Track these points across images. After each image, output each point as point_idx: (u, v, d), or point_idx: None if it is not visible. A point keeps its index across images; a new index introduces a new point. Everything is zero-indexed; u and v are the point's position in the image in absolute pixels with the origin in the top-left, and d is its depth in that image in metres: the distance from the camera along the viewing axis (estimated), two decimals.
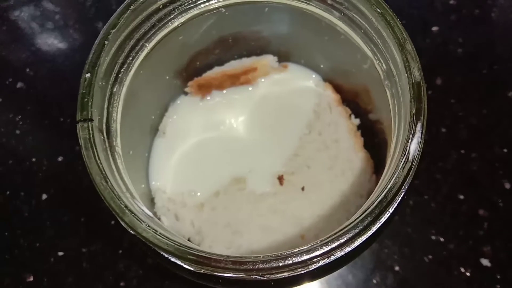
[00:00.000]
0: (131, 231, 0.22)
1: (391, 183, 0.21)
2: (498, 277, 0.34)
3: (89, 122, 0.23)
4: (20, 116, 0.42)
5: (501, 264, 0.35)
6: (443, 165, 0.38)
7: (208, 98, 0.36)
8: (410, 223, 0.36)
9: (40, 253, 0.37)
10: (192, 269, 0.22)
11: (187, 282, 0.35)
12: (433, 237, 0.36)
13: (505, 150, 0.38)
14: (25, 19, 0.47)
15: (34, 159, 0.40)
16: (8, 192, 0.39)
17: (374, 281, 0.35)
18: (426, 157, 0.38)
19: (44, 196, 0.39)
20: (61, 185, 0.40)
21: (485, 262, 0.35)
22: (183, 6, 0.28)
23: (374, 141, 0.34)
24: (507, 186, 0.37)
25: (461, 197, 0.37)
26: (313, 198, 0.33)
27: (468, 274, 0.35)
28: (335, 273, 0.35)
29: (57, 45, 0.45)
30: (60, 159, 0.40)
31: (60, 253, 0.37)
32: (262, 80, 0.36)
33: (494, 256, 0.35)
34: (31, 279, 0.37)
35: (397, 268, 0.35)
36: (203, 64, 0.35)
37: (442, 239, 0.36)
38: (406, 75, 0.23)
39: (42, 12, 0.47)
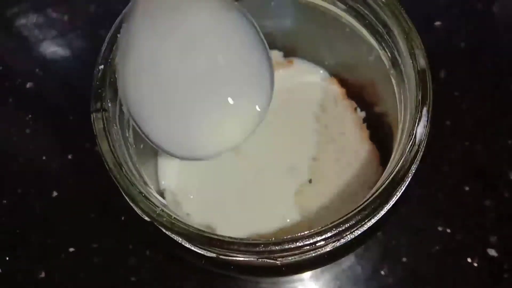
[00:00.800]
0: (146, 217, 0.22)
1: (399, 166, 0.22)
2: (505, 267, 0.35)
3: (103, 113, 0.24)
4: (30, 116, 0.43)
5: (508, 254, 0.35)
6: (448, 157, 0.38)
7: None
8: (417, 215, 0.37)
9: (51, 249, 0.38)
10: (205, 253, 0.22)
11: (198, 276, 0.36)
12: (440, 228, 0.36)
13: (509, 142, 0.38)
14: (32, 24, 0.48)
15: (44, 157, 0.41)
16: (19, 190, 0.40)
17: (382, 273, 0.35)
18: (431, 150, 0.38)
19: (55, 194, 0.40)
20: (71, 182, 0.40)
21: (492, 252, 0.35)
22: None
23: (379, 133, 0.35)
24: None
25: (467, 188, 0.37)
26: (320, 190, 0.34)
27: (475, 264, 0.35)
28: (343, 265, 0.35)
29: (65, 47, 0.46)
30: (70, 156, 0.41)
31: (71, 249, 0.38)
32: None
33: (501, 246, 0.35)
34: (43, 275, 0.37)
35: (404, 259, 0.35)
36: None
37: (449, 230, 0.36)
38: (411, 62, 0.24)
39: (47, 17, 0.48)
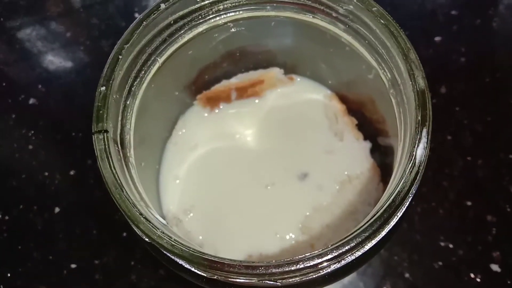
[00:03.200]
0: (146, 239, 0.22)
1: (399, 187, 0.22)
2: (508, 282, 0.35)
3: (105, 134, 0.24)
4: (32, 132, 0.43)
5: (511, 269, 0.35)
6: (449, 172, 0.38)
7: (217, 111, 0.37)
8: (419, 230, 0.37)
9: (53, 265, 0.38)
10: (205, 275, 0.22)
11: None
12: (442, 244, 0.36)
13: (510, 156, 0.38)
14: (35, 39, 0.48)
15: (46, 173, 0.41)
16: (21, 206, 0.40)
17: None
18: (432, 165, 0.38)
19: (57, 209, 0.40)
20: (73, 198, 0.40)
21: (494, 267, 0.35)
22: (193, 21, 0.29)
23: (380, 150, 0.35)
24: None
25: (469, 203, 0.37)
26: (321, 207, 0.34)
27: (478, 279, 0.35)
28: (345, 281, 0.35)
29: (67, 62, 0.47)
30: (72, 172, 0.41)
31: (73, 265, 0.38)
32: (269, 92, 0.37)
33: (503, 261, 0.35)
34: None
35: (407, 275, 0.35)
36: (212, 77, 0.36)
37: (451, 245, 0.36)
38: (410, 83, 0.24)
39: (50, 31, 0.49)
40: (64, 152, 0.42)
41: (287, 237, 0.32)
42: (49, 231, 0.39)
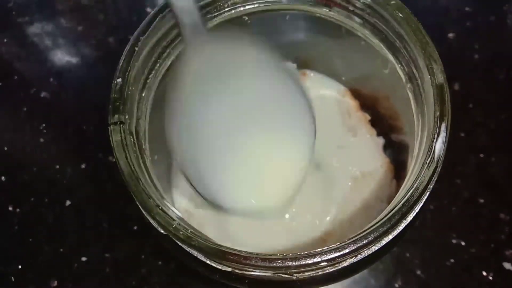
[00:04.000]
0: (162, 231, 0.22)
1: (417, 182, 0.22)
2: None
3: (121, 125, 0.24)
4: (44, 125, 0.43)
5: None
6: (462, 169, 0.38)
7: None
8: (431, 228, 0.36)
9: (64, 258, 0.38)
10: (220, 267, 0.22)
11: (211, 286, 0.36)
12: (454, 241, 0.36)
13: None
14: (46, 34, 0.48)
15: (58, 167, 0.41)
16: (32, 199, 0.40)
17: (396, 285, 0.35)
18: (445, 162, 0.38)
19: (68, 203, 0.40)
20: (85, 192, 0.40)
21: (507, 265, 0.35)
22: (208, 14, 0.29)
23: (394, 146, 0.35)
24: None
25: (482, 201, 0.37)
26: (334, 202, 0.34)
27: (490, 277, 0.34)
28: (357, 277, 0.35)
29: (79, 57, 0.47)
30: (83, 166, 0.41)
31: (84, 259, 0.38)
32: None
33: None
34: (55, 284, 0.37)
35: (418, 272, 0.35)
36: None
37: (463, 243, 0.36)
38: (429, 77, 0.24)
39: (61, 27, 0.49)
40: (75, 146, 0.42)
41: (300, 232, 0.32)
42: (60, 224, 0.39)
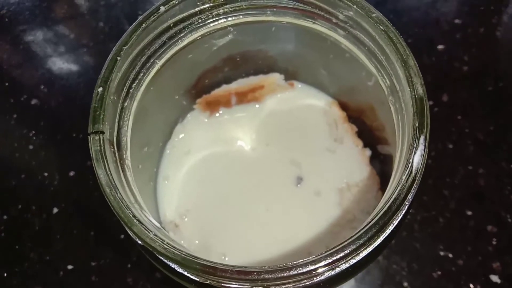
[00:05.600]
0: (139, 241, 0.22)
1: (395, 194, 0.22)
2: None
3: (100, 135, 0.24)
4: (33, 132, 0.43)
5: (511, 281, 0.34)
6: (450, 180, 0.38)
7: (216, 115, 0.37)
8: (418, 239, 0.36)
9: (49, 266, 0.38)
10: (198, 279, 0.22)
11: None
12: (442, 253, 0.36)
13: None
14: (39, 41, 0.48)
15: (46, 174, 0.41)
16: (20, 206, 0.40)
17: None
18: (433, 173, 0.38)
19: (55, 210, 0.40)
20: (72, 199, 0.40)
21: (494, 278, 0.34)
22: (192, 25, 0.29)
23: (380, 157, 0.35)
24: None
25: (469, 212, 0.37)
26: (320, 214, 0.33)
27: None
28: None
29: (71, 64, 0.47)
30: (71, 173, 0.41)
31: (70, 267, 0.38)
32: (269, 97, 0.37)
33: (503, 272, 0.35)
34: None
35: (405, 284, 0.35)
36: (212, 82, 0.36)
37: (450, 255, 0.35)
38: (409, 90, 0.24)
39: (55, 34, 0.49)
40: (64, 153, 0.43)
41: (284, 243, 0.32)
42: (47, 231, 0.39)
